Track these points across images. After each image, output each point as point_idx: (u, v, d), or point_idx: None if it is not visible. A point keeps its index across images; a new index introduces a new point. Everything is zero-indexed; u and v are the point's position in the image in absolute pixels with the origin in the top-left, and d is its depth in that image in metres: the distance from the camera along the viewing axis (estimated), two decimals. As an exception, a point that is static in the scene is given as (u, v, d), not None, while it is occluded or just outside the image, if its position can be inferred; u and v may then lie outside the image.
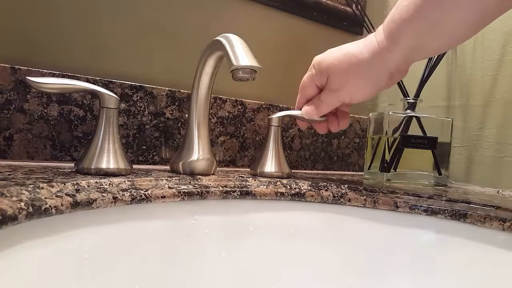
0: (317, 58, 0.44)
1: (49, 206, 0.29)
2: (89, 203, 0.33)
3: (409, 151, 0.62)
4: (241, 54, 0.37)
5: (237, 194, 0.43)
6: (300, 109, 0.49)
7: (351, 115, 0.78)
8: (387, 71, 0.41)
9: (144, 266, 0.37)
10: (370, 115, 0.67)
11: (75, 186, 0.33)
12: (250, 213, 0.44)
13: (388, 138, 0.62)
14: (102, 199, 0.34)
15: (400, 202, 0.46)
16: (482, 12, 0.34)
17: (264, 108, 0.66)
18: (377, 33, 0.40)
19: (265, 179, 0.47)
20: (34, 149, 0.48)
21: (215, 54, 0.43)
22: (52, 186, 0.31)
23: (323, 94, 0.45)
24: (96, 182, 0.35)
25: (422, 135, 0.63)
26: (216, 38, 0.41)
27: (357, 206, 0.47)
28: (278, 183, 0.47)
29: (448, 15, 0.34)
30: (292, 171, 0.53)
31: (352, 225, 0.47)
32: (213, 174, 0.46)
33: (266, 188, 0.45)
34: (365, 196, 0.47)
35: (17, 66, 0.46)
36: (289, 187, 0.47)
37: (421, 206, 0.45)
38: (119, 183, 0.36)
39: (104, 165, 0.39)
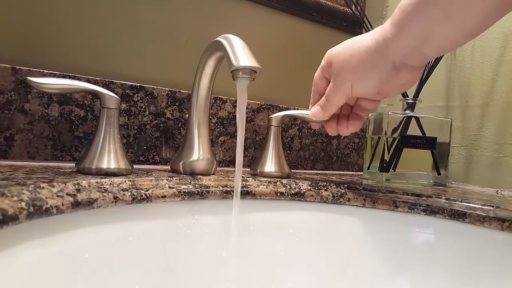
0: (328, 50, 0.43)
1: (50, 206, 0.29)
2: (90, 203, 0.33)
3: (408, 151, 0.62)
4: (241, 54, 0.37)
5: (237, 194, 0.43)
6: (313, 104, 0.47)
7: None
8: (390, 62, 0.38)
9: (144, 265, 0.37)
10: (370, 115, 0.67)
11: (76, 186, 0.33)
12: (250, 213, 0.45)
13: (387, 138, 0.62)
14: (102, 199, 0.34)
15: (399, 202, 0.46)
16: (495, 2, 0.32)
17: (264, 108, 0.66)
18: (385, 23, 0.38)
19: (265, 179, 0.47)
20: (35, 149, 0.48)
21: (215, 55, 0.43)
22: (53, 186, 0.31)
23: (327, 90, 0.43)
24: (97, 182, 0.35)
25: (421, 135, 0.64)
26: (216, 38, 0.41)
27: (356, 206, 0.47)
28: (278, 183, 0.47)
29: (459, 1, 0.32)
30: (292, 171, 0.53)
31: (351, 225, 0.47)
32: (213, 174, 0.46)
33: (266, 188, 0.46)
34: (364, 196, 0.47)
35: (18, 67, 0.46)
36: (288, 187, 0.47)
37: (420, 206, 0.45)
38: (119, 183, 0.36)
39: (104, 165, 0.39)
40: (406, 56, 0.38)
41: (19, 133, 0.47)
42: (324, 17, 0.75)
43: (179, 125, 0.58)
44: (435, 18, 0.34)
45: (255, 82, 0.39)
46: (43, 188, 0.30)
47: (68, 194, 0.32)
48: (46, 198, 0.30)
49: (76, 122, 0.50)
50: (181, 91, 0.58)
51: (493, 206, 0.43)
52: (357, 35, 0.81)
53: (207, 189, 0.42)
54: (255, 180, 0.47)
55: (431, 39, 0.35)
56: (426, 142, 0.62)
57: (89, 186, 0.34)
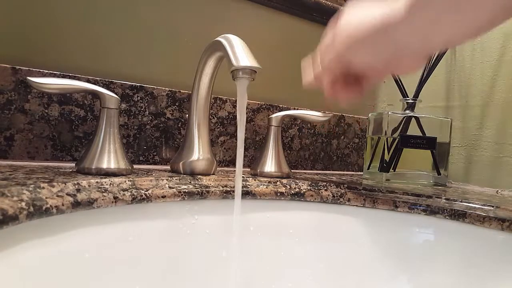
0: (338, 22, 0.43)
1: (50, 206, 0.29)
2: (90, 203, 0.33)
3: (408, 151, 0.62)
4: (241, 54, 0.37)
5: (237, 194, 0.43)
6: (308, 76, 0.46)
7: (350, 115, 0.78)
8: (392, 42, 0.37)
9: (144, 265, 0.37)
10: (370, 115, 0.67)
11: (76, 186, 0.33)
12: (250, 213, 0.45)
13: (387, 138, 0.62)
14: (102, 199, 0.34)
15: (399, 202, 0.46)
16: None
17: (264, 108, 0.66)
18: (399, 2, 0.37)
19: (265, 179, 0.47)
20: (35, 149, 0.48)
21: (215, 55, 0.43)
22: (53, 186, 0.31)
23: (323, 51, 0.42)
24: (97, 182, 0.35)
25: (421, 135, 0.64)
26: (216, 38, 0.41)
27: (356, 206, 0.47)
28: (278, 183, 0.47)
29: None
30: (292, 171, 0.53)
31: (351, 225, 0.47)
32: (213, 174, 0.46)
33: (266, 188, 0.46)
34: (364, 196, 0.47)
35: (18, 67, 0.46)
36: (288, 187, 0.47)
37: (420, 206, 0.45)
38: (119, 183, 0.36)
39: (104, 165, 0.39)
40: (410, 43, 0.37)
41: (19, 133, 0.47)
42: (324, 17, 0.75)
43: (179, 125, 0.58)
44: (446, 8, 0.34)
45: (255, 82, 0.39)
46: (43, 188, 0.30)
47: (68, 194, 0.32)
48: (46, 198, 0.30)
49: (76, 122, 0.50)
50: (181, 91, 0.58)
51: (493, 206, 0.43)
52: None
53: (207, 189, 0.42)
54: (255, 180, 0.47)
55: (439, 28, 0.35)
56: (426, 142, 0.62)
57: (89, 186, 0.34)
